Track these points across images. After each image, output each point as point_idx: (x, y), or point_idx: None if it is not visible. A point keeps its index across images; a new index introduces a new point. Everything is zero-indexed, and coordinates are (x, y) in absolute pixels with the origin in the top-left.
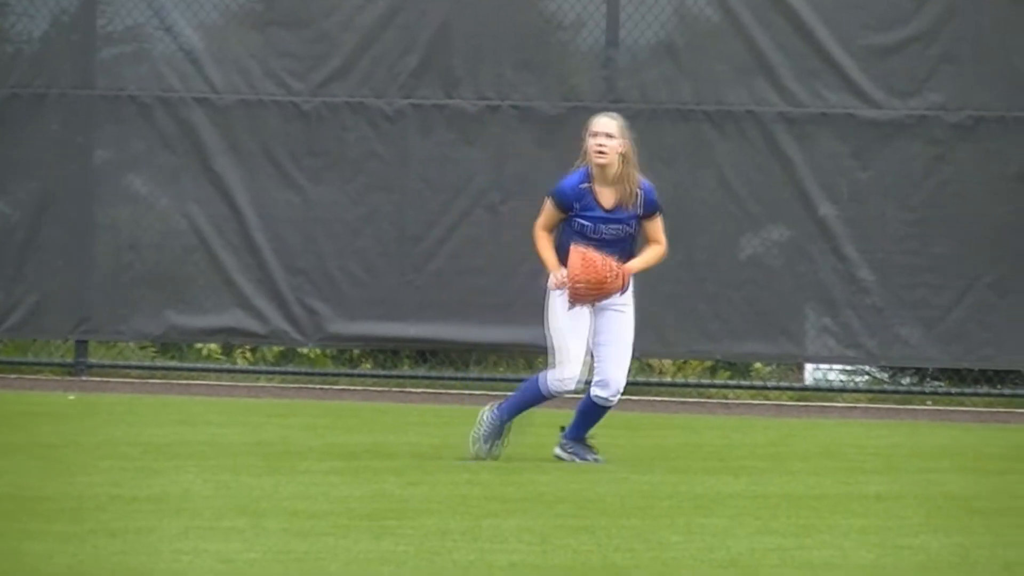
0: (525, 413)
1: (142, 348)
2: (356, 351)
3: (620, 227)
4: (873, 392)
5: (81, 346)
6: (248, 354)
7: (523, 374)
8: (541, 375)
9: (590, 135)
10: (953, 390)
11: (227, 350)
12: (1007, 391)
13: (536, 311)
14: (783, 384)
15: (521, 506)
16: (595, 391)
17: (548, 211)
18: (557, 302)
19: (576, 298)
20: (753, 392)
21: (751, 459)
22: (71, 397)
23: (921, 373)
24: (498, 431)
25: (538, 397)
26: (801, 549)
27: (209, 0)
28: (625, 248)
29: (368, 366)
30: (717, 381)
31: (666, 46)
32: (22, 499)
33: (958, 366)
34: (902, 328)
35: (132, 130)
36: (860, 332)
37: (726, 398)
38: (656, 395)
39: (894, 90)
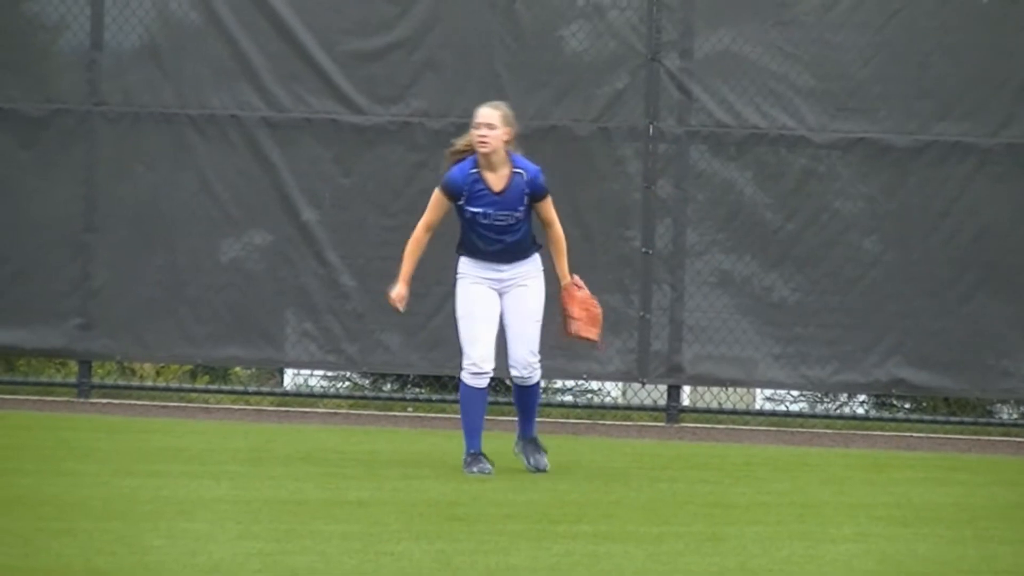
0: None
1: None
2: None
3: (509, 212)
4: (354, 398)
5: None
6: None
7: (4, 376)
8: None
9: (473, 126)
10: (434, 397)
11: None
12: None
13: (13, 312)
14: (264, 389)
15: (1, 509)
16: (511, 374)
17: (435, 202)
18: (460, 289)
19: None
20: (234, 397)
21: (232, 464)
22: None
23: (402, 380)
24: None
25: (465, 396)
26: (283, 554)
27: None
28: (519, 232)
29: None
30: (198, 386)
31: (150, 49)
32: None
33: (439, 373)
34: (383, 334)
35: None
36: (341, 338)
37: (207, 402)
38: (137, 399)
39: (377, 96)
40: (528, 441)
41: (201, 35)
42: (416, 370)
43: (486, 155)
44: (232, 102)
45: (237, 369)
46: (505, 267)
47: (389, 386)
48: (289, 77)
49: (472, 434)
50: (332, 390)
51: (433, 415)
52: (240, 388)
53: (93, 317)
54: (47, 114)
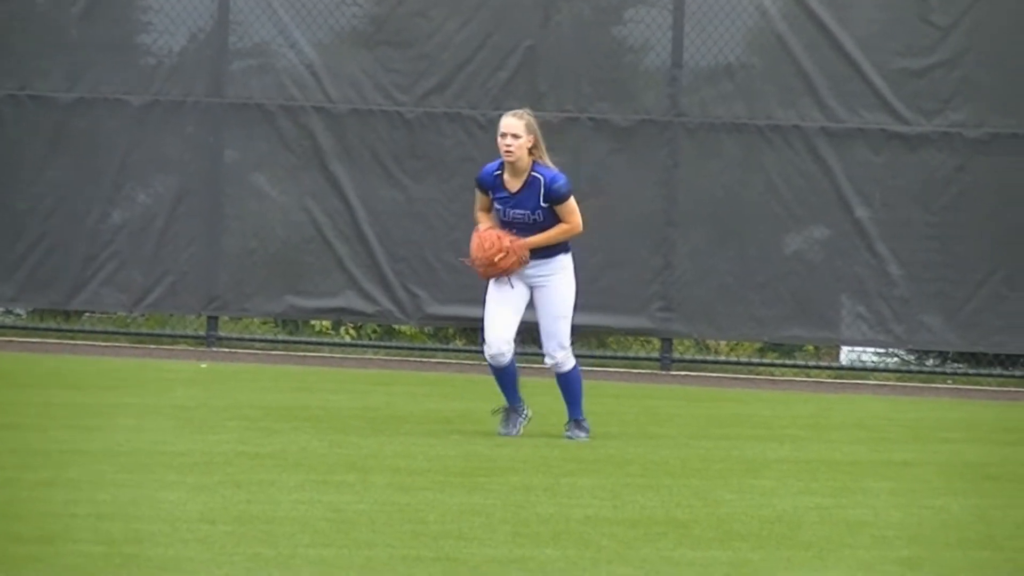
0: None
1: (264, 324)
2: (451, 329)
3: (525, 213)
4: (901, 372)
5: (212, 321)
6: (352, 330)
7: (597, 351)
8: None
9: (500, 135)
10: (971, 371)
11: (335, 326)
12: (1018, 372)
13: (604, 296)
14: (822, 364)
15: (595, 467)
16: (545, 363)
17: (477, 195)
18: (492, 281)
19: (482, 275)
20: (796, 370)
21: (794, 429)
22: (202, 366)
23: (943, 356)
24: (505, 415)
25: (494, 374)
26: (838, 508)
27: (326, 21)
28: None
29: (461, 342)
30: (765, 360)
31: (723, 67)
32: (159, 454)
33: (974, 350)
34: (926, 316)
35: (257, 134)
36: (889, 319)
37: (772, 375)
38: (711, 372)
39: (921, 109)
40: (571, 421)
41: (769, 55)
42: (954, 347)
43: (511, 163)
44: (795, 114)
45: (801, 346)
46: (530, 263)
47: (931, 361)
48: (845, 93)
49: (508, 396)
50: (882, 365)
51: (969, 387)
52: (802, 363)
53: (673, 301)
54: (634, 124)
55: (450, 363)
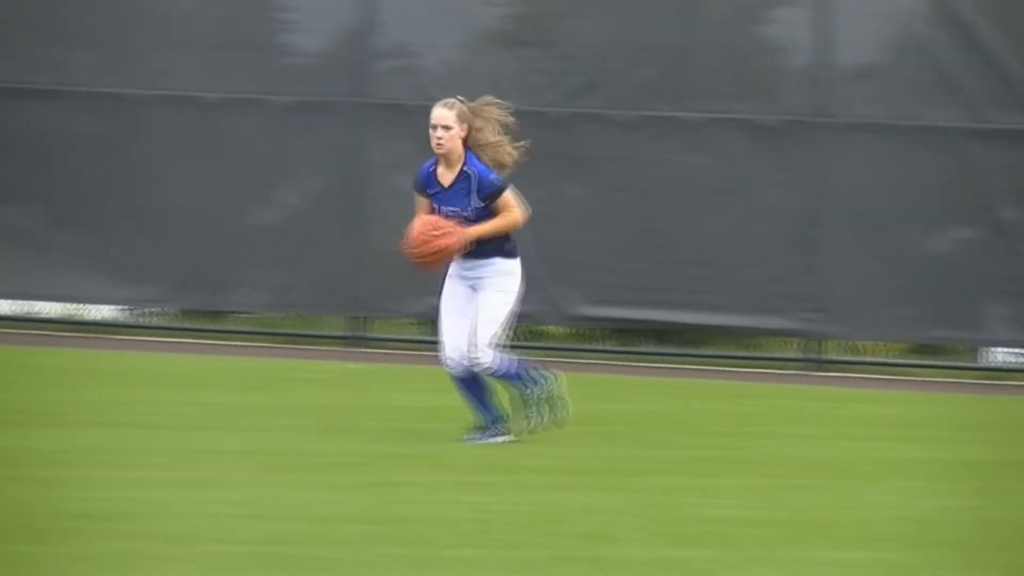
0: (476, 400)
1: (409, 324)
2: (598, 330)
3: (456, 210)
4: None
5: (356, 321)
6: None
7: (744, 352)
8: None
9: (430, 127)
10: None
11: None
12: None
13: (750, 298)
14: (966, 364)
15: (740, 468)
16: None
17: (417, 198)
18: (445, 284)
19: (419, 260)
20: (940, 371)
21: (937, 429)
22: (347, 366)
23: None
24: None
25: (454, 384)
26: (981, 508)
27: (467, 22)
28: None
29: (609, 343)
30: (910, 361)
31: (868, 67)
32: (303, 454)
33: None
34: None
35: (399, 134)
36: None
37: (917, 376)
38: (857, 372)
39: None
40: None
41: (913, 55)
42: None
43: (443, 155)
44: (939, 115)
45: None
46: (467, 263)
47: None
48: (990, 93)
49: (472, 409)
50: (1018, 365)
51: None
52: (945, 363)
53: (820, 302)
54: (779, 124)
55: (597, 364)
